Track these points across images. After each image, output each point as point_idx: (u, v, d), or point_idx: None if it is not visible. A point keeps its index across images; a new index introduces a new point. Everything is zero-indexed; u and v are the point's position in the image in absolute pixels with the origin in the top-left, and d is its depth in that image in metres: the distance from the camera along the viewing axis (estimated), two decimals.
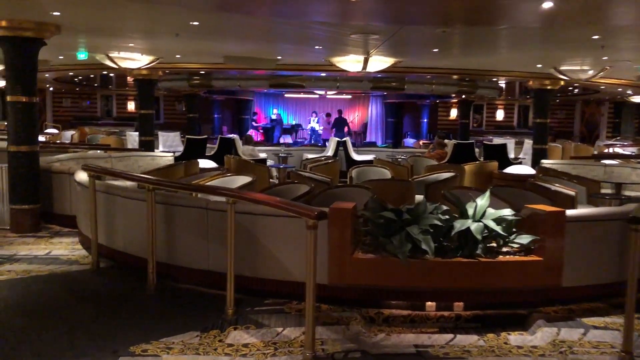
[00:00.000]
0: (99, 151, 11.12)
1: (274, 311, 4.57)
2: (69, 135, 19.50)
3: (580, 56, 9.94)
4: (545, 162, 10.74)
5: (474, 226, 4.55)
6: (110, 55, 10.46)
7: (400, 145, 22.54)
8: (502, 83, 17.49)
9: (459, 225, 4.55)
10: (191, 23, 7.11)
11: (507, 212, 4.78)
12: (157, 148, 15.29)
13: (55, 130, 21.07)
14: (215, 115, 24.12)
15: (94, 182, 5.61)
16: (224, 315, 4.44)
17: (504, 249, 4.75)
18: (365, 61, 9.67)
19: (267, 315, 4.49)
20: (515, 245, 4.72)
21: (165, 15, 6.95)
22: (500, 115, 26.99)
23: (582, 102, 26.32)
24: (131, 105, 25.51)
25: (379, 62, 9.88)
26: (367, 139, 24.63)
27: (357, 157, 13.41)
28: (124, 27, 7.83)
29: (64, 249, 6.44)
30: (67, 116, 25.70)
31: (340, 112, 22.15)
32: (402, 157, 13.66)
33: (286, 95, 24.61)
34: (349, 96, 24.80)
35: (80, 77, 19.12)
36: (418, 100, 23.93)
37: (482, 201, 4.85)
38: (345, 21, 6.93)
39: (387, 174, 8.68)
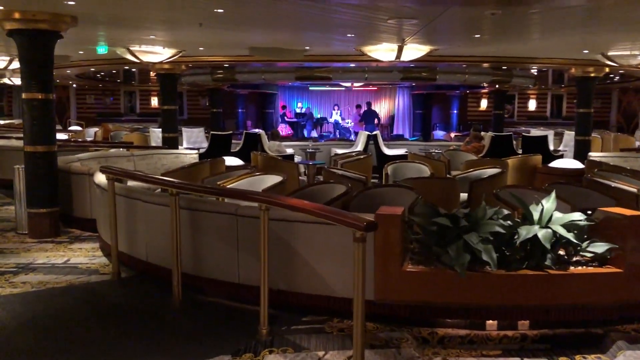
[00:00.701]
0: (121, 149, 10.73)
1: (313, 330, 4.06)
2: (92, 132, 19.26)
3: (631, 39, 9.18)
4: (594, 155, 10.03)
5: (541, 233, 3.97)
6: (131, 48, 10.04)
7: (429, 137, 21.85)
8: (534, 71, 16.62)
9: (525, 232, 3.97)
10: (215, 11, 6.60)
11: (577, 217, 4.19)
12: (181, 145, 14.93)
13: (78, 128, 20.86)
14: (239, 110, 23.68)
15: (113, 185, 5.15)
16: (257, 335, 3.95)
17: (575, 259, 4.18)
18: (400, 50, 9.06)
19: (306, 335, 3.98)
20: (588, 255, 4.13)
21: (188, 3, 6.45)
22: (532, 105, 26.00)
23: (619, 91, 25.22)
24: (154, 101, 25.23)
25: (414, 51, 9.27)
26: (394, 132, 23.95)
27: (388, 151, 12.81)
28: (144, 16, 7.35)
29: (84, 256, 6.01)
30: (91, 113, 25.55)
31: (369, 104, 21.48)
32: (437, 150, 13.02)
33: (311, 88, 24.06)
34: (375, 88, 24.13)
35: (102, 73, 18.82)
36: (447, 90, 23.15)
37: (548, 204, 4.27)
38: (376, 2, 6.31)
39: (425, 170, 8.10)
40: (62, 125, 23.23)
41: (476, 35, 8.18)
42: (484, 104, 25.40)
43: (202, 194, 4.58)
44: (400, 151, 13.24)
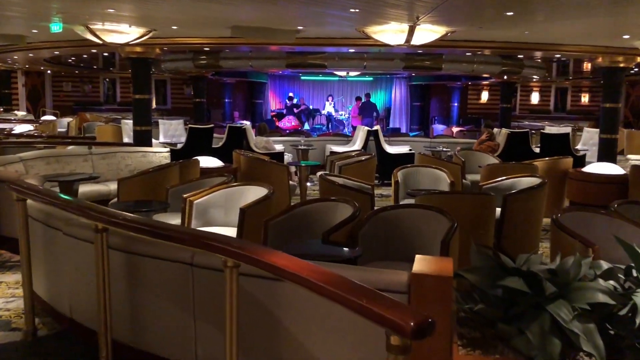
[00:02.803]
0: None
1: None
2: (65, 122, 17.64)
3: None
4: (634, 159, 8.61)
5: None
6: (91, 27, 8.47)
7: (428, 131, 20.44)
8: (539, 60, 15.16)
9: None
10: None
11: None
12: (157, 138, 13.37)
13: (52, 117, 19.22)
14: (226, 100, 22.11)
15: (24, 207, 3.64)
16: None
17: None
18: (411, 31, 7.58)
19: None
20: None
21: None
22: (535, 98, 24.66)
23: (627, 84, 23.88)
24: None
25: (427, 33, 7.80)
26: (390, 125, 22.46)
27: (390, 149, 11.34)
28: None
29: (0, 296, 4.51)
30: (68, 101, 23.88)
31: (368, 95, 19.87)
32: (444, 149, 11.57)
33: (302, 77, 22.52)
34: (371, 78, 22.63)
35: (73, 58, 17.16)
36: (447, 82, 21.73)
37: None
38: None
39: (443, 177, 6.63)
40: (35, 114, 21.57)
41: (508, 13, 6.69)
42: (484, 96, 24.03)
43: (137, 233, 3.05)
44: (403, 149, 11.78)
